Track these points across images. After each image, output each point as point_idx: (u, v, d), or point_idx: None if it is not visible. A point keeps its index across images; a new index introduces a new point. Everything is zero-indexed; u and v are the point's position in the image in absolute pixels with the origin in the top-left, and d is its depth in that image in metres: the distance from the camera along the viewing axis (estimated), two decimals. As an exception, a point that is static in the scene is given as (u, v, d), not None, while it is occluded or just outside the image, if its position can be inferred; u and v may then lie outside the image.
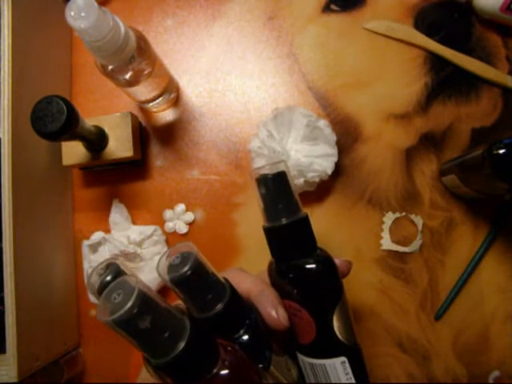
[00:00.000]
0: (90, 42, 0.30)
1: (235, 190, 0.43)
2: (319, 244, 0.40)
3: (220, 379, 0.21)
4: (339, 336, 0.29)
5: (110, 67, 0.34)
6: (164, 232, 0.43)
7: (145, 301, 0.18)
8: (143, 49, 0.34)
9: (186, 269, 0.21)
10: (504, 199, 0.41)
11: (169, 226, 0.43)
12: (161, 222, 0.43)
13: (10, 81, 0.36)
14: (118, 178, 0.44)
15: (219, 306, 0.24)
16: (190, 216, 0.43)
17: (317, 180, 0.39)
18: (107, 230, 0.43)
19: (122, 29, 0.31)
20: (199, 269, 0.22)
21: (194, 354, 0.20)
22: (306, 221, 0.29)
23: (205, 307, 0.24)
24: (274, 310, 0.27)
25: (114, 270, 0.23)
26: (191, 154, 0.44)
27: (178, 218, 0.43)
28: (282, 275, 0.29)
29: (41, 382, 0.37)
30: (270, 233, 0.29)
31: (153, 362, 0.20)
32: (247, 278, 0.28)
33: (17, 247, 0.35)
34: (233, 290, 0.25)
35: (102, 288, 0.22)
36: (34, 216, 0.38)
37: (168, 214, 0.43)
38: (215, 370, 0.21)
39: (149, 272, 0.41)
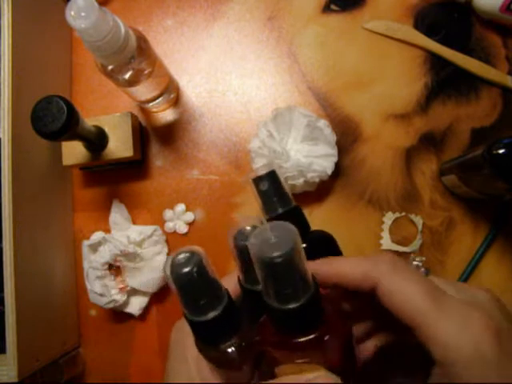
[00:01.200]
0: (90, 42, 0.30)
1: (235, 190, 0.43)
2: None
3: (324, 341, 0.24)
4: None
5: (110, 67, 0.34)
6: (164, 232, 0.43)
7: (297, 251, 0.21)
8: (143, 49, 0.34)
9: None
10: (504, 199, 0.41)
11: (169, 225, 0.43)
12: (161, 222, 0.43)
13: (10, 81, 0.36)
14: (118, 178, 0.44)
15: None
16: (189, 216, 0.43)
17: (317, 180, 0.39)
18: (107, 230, 0.43)
19: (122, 29, 0.31)
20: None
21: (313, 307, 0.23)
22: (298, 208, 0.33)
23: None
24: None
25: (196, 261, 0.22)
26: (191, 154, 0.44)
27: (178, 218, 0.43)
28: None
29: (41, 382, 0.37)
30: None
31: (275, 305, 0.23)
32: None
33: (17, 247, 0.35)
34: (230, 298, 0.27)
35: (178, 276, 0.22)
36: (34, 216, 0.38)
37: (168, 213, 0.43)
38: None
39: (149, 272, 0.41)
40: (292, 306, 0.23)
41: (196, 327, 0.24)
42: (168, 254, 0.43)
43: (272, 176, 0.32)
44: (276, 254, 0.21)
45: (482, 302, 0.23)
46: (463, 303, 0.22)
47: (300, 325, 0.24)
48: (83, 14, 0.28)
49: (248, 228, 0.25)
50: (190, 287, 0.22)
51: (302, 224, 0.34)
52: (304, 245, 0.32)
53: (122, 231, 0.42)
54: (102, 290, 0.40)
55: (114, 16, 0.30)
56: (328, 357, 0.26)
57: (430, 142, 0.42)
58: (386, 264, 0.25)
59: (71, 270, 0.43)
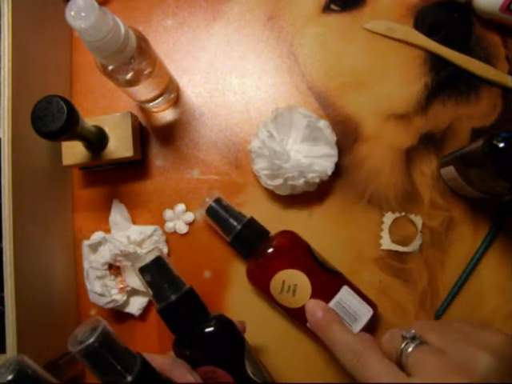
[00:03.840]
0: (90, 42, 0.30)
1: (235, 190, 0.43)
2: (320, 244, 0.41)
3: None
4: (257, 380, 0.32)
5: (110, 67, 0.34)
6: (164, 232, 0.43)
7: None
8: (143, 49, 0.34)
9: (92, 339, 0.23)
10: (503, 199, 0.41)
11: (169, 225, 0.43)
12: (161, 222, 0.43)
13: (10, 81, 0.36)
14: (118, 178, 0.44)
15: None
16: (189, 216, 0.43)
17: (317, 180, 0.39)
18: (107, 230, 0.43)
19: (122, 29, 0.31)
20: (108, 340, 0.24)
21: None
22: (192, 292, 0.32)
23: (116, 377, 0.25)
24: (188, 374, 0.29)
25: (17, 367, 0.23)
26: (191, 154, 0.44)
27: (178, 218, 0.43)
28: (189, 346, 0.32)
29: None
30: (163, 312, 0.31)
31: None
32: (156, 356, 0.30)
33: (17, 247, 0.35)
34: (145, 360, 0.27)
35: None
36: (34, 216, 0.38)
37: (168, 213, 0.43)
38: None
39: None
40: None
41: None
42: (168, 255, 0.43)
43: (157, 263, 0.31)
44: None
45: (471, 367, 0.24)
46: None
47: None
48: (83, 14, 0.28)
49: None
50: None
51: (198, 308, 0.32)
52: (210, 329, 0.31)
53: (122, 231, 0.42)
54: (102, 290, 0.40)
55: (114, 16, 0.30)
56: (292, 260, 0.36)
57: (430, 141, 0.42)
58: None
59: (71, 269, 0.43)
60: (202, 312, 0.32)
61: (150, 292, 0.31)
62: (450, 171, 0.39)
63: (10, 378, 0.22)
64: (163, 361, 0.29)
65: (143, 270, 0.31)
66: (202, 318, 0.32)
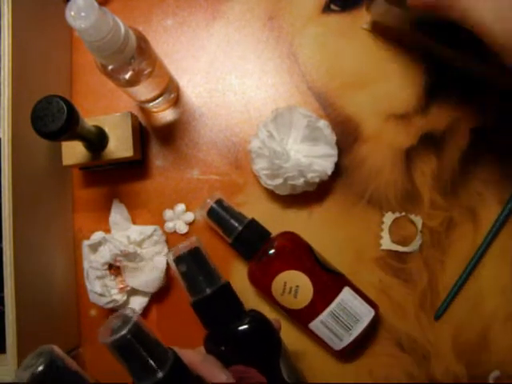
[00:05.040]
0: (90, 42, 0.30)
1: (235, 190, 0.43)
2: (319, 243, 0.41)
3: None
4: (290, 382, 0.31)
5: (110, 67, 0.34)
6: (164, 232, 0.43)
7: None
8: (143, 49, 0.34)
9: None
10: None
11: (169, 225, 0.43)
12: (161, 222, 0.43)
13: (10, 81, 0.36)
14: (118, 178, 0.44)
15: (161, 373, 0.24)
16: (189, 216, 0.43)
17: (317, 180, 0.39)
18: (107, 230, 0.43)
19: (122, 29, 0.31)
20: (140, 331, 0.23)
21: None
22: (228, 286, 0.31)
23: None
24: (221, 373, 0.27)
25: (47, 358, 0.22)
26: (191, 154, 0.44)
27: (178, 218, 0.43)
28: (222, 342, 0.30)
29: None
30: (197, 306, 0.30)
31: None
32: (186, 351, 0.28)
33: (17, 247, 0.35)
34: (177, 356, 0.26)
35: (36, 381, 0.21)
36: (34, 216, 0.38)
37: (168, 213, 0.43)
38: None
39: (149, 272, 0.41)
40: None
41: None
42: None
43: (195, 254, 0.29)
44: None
45: None
46: None
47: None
48: (83, 14, 0.28)
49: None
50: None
51: (233, 303, 0.31)
52: (245, 326, 0.30)
53: (122, 231, 0.42)
54: (102, 290, 0.40)
55: (114, 16, 0.30)
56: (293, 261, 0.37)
57: (430, 141, 0.42)
58: None
59: (71, 269, 0.43)
60: (238, 308, 0.31)
61: (184, 284, 0.30)
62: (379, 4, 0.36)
63: (40, 368, 0.21)
64: (194, 357, 0.28)
65: (179, 260, 0.29)
66: (237, 315, 0.30)
